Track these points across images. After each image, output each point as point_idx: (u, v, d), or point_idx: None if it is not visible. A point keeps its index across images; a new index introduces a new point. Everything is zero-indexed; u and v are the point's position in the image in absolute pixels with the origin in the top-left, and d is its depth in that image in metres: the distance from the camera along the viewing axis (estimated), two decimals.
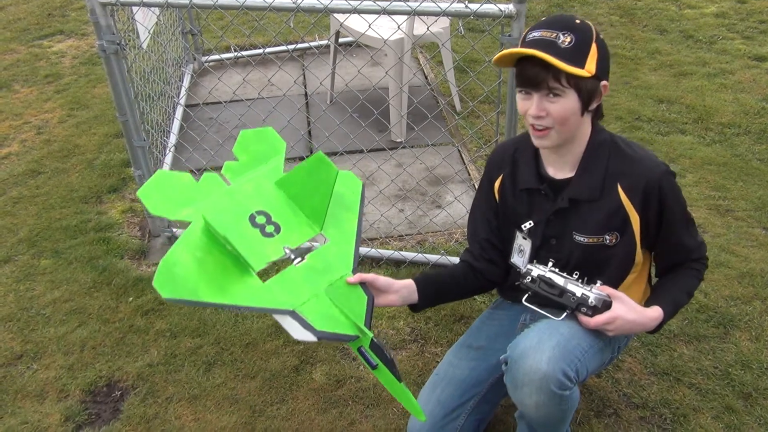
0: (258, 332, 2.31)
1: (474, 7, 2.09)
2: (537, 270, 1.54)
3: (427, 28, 2.79)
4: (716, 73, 3.96)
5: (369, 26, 2.59)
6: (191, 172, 3.06)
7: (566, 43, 1.40)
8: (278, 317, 1.41)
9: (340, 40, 3.75)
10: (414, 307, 1.67)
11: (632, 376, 2.10)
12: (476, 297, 2.38)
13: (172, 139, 3.31)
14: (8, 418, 2.05)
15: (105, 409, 2.08)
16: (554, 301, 1.52)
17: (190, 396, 2.10)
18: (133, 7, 2.56)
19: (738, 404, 1.99)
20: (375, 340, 1.40)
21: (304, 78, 4.09)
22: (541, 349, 1.44)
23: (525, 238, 1.66)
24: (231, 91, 3.72)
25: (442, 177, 3.13)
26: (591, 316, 1.50)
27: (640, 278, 1.66)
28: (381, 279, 1.54)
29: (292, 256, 1.49)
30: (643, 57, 4.22)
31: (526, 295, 1.59)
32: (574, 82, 1.42)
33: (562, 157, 1.57)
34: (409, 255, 2.60)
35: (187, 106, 3.64)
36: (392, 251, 2.62)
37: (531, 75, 1.43)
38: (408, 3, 2.14)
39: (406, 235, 2.79)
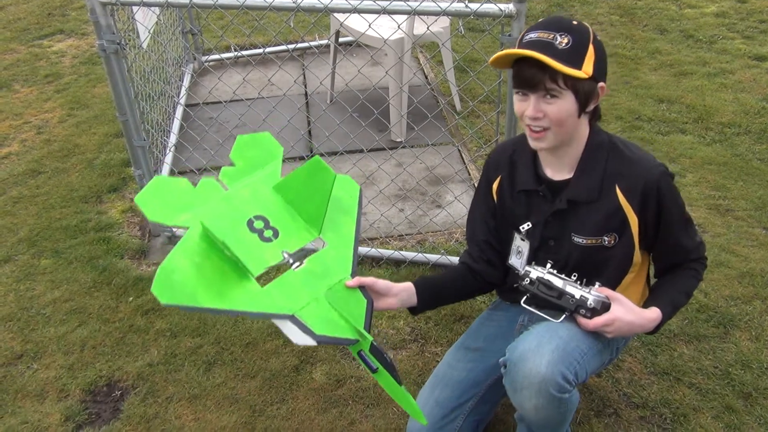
0: (258, 332, 2.31)
1: (474, 6, 2.09)
2: (535, 272, 1.54)
3: (427, 28, 2.79)
4: (716, 73, 3.96)
5: (369, 26, 2.59)
6: (191, 171, 3.09)
7: (563, 45, 1.40)
8: (278, 322, 1.41)
9: (340, 39, 3.75)
10: (413, 310, 1.67)
11: (632, 376, 2.10)
12: (476, 297, 2.38)
13: (172, 138, 3.31)
14: (8, 418, 2.05)
15: (105, 409, 2.08)
16: (553, 303, 1.52)
17: (190, 396, 2.10)
18: (133, 7, 2.56)
19: (738, 404, 1.99)
20: (375, 343, 1.40)
21: (304, 78, 4.09)
22: (540, 352, 1.44)
23: (523, 240, 1.66)
24: (231, 90, 3.72)
25: (442, 177, 3.12)
26: (590, 318, 1.49)
27: (638, 278, 1.66)
28: (380, 282, 1.54)
29: (291, 261, 1.49)
30: (643, 57, 4.22)
31: (525, 297, 1.59)
32: (572, 83, 1.41)
33: (560, 158, 1.56)
34: (409, 255, 2.60)
35: (187, 105, 3.64)
36: (392, 251, 2.63)
37: (528, 76, 1.42)
38: (408, 2, 2.14)
39: (406, 235, 2.79)
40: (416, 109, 3.36)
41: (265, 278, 1.44)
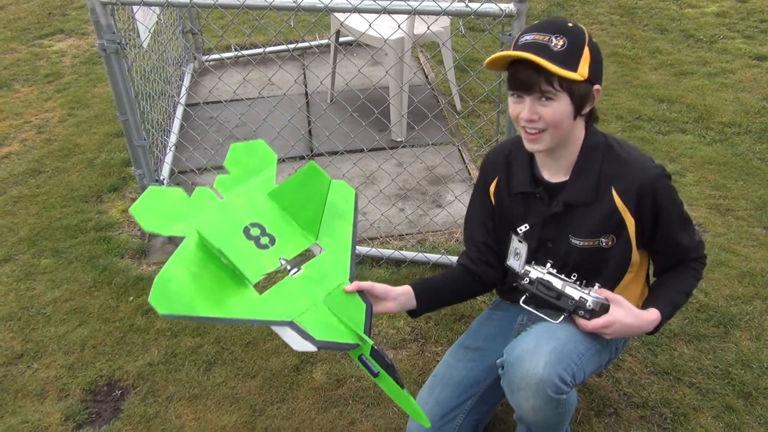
0: (258, 332, 2.31)
1: (474, 6, 2.09)
2: (535, 272, 1.54)
3: (428, 28, 2.79)
4: (717, 73, 3.96)
5: (369, 25, 2.59)
6: (192, 171, 3.09)
7: (559, 47, 1.40)
8: (277, 329, 1.41)
9: (341, 39, 3.75)
10: (413, 313, 1.67)
11: (632, 376, 2.10)
12: (476, 297, 2.38)
13: (173, 138, 3.31)
14: (9, 417, 2.05)
15: (105, 409, 2.09)
16: (552, 303, 1.52)
17: (190, 395, 2.10)
18: (134, 6, 2.56)
19: (738, 403, 1.99)
20: (376, 347, 1.39)
21: (305, 77, 4.09)
22: (537, 353, 1.44)
23: (521, 242, 1.66)
24: (231, 90, 3.72)
25: (442, 176, 3.12)
26: (588, 319, 1.49)
27: (637, 278, 1.66)
28: (378, 286, 1.54)
29: (288, 267, 1.49)
30: (643, 56, 4.22)
31: (524, 297, 1.59)
32: (567, 85, 1.41)
33: (556, 161, 1.56)
34: (410, 254, 2.60)
35: (187, 105, 3.64)
36: (392, 250, 2.63)
37: (523, 78, 1.42)
38: (408, 2, 2.14)
39: (407, 235, 2.79)
40: (416, 109, 3.36)
41: (263, 285, 1.44)
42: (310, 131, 3.53)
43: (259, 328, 2.32)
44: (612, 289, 1.58)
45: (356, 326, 1.41)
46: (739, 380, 2.06)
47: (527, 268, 1.56)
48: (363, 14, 2.32)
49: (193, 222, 1.50)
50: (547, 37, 1.40)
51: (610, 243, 1.56)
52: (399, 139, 3.41)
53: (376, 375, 1.39)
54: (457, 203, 2.88)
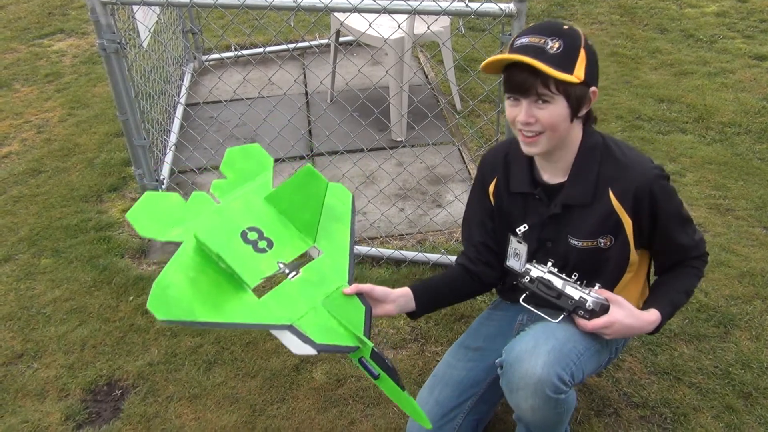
0: (258, 332, 2.31)
1: (474, 6, 2.09)
2: (536, 270, 1.54)
3: (428, 27, 2.79)
4: (717, 73, 3.96)
5: (369, 25, 2.59)
6: (192, 170, 3.09)
7: (554, 49, 1.39)
8: (276, 333, 1.40)
9: (341, 39, 3.75)
10: (412, 315, 1.67)
11: (632, 376, 2.10)
12: (475, 297, 2.38)
13: (173, 138, 3.31)
14: (9, 417, 2.05)
15: (105, 408, 2.09)
16: (551, 303, 1.52)
17: (190, 395, 2.10)
18: (134, 6, 2.56)
19: (738, 403, 1.99)
20: (376, 349, 1.39)
21: (305, 77, 4.09)
22: (536, 353, 1.44)
23: (520, 242, 1.66)
24: (231, 90, 3.72)
25: (442, 176, 3.12)
26: (588, 319, 1.49)
27: (637, 277, 1.66)
28: (378, 289, 1.54)
29: (287, 271, 1.49)
30: (643, 56, 4.22)
31: (524, 295, 1.59)
32: (563, 88, 1.41)
33: (554, 163, 1.56)
34: (410, 254, 2.60)
35: (187, 105, 3.64)
36: (393, 250, 2.63)
37: (519, 81, 1.42)
38: (408, 2, 2.14)
39: (407, 234, 2.79)
40: (416, 109, 3.36)
41: (261, 289, 1.44)
42: (310, 131, 3.53)
43: None
44: (611, 288, 1.59)
45: (356, 329, 1.41)
46: (739, 380, 2.06)
47: (528, 266, 1.56)
48: (363, 14, 2.32)
49: (191, 227, 1.50)
50: (543, 40, 1.40)
51: (608, 243, 1.56)
52: (399, 139, 3.41)
53: (376, 377, 1.39)
54: (457, 203, 2.88)
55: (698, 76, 3.93)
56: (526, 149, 1.52)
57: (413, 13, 2.16)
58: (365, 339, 1.39)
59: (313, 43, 4.42)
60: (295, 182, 1.57)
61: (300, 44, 4.40)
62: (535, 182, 1.61)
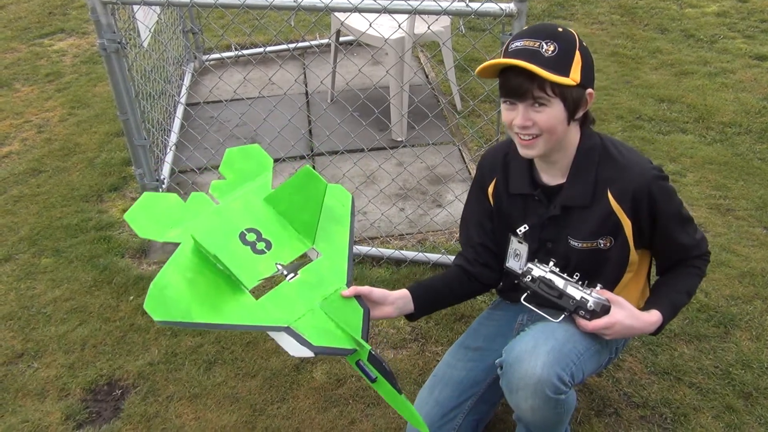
0: (258, 332, 2.31)
1: (475, 5, 2.08)
2: (538, 270, 1.54)
3: (428, 27, 2.79)
4: (717, 73, 3.96)
5: (370, 25, 2.59)
6: (192, 170, 3.09)
7: (550, 52, 1.39)
8: (274, 334, 1.40)
9: (341, 38, 3.75)
10: (411, 317, 1.67)
11: (633, 376, 2.10)
12: (474, 297, 2.38)
13: (173, 137, 3.31)
14: (9, 417, 2.05)
15: (106, 408, 2.09)
16: (553, 302, 1.52)
17: (190, 395, 2.10)
18: (134, 6, 2.56)
19: (738, 404, 1.99)
20: (373, 352, 1.38)
21: (305, 77, 4.09)
22: (536, 353, 1.44)
23: (520, 242, 1.66)
24: (232, 89, 3.72)
25: (442, 176, 3.12)
26: (589, 319, 1.49)
27: (637, 277, 1.66)
28: (376, 291, 1.53)
29: (285, 272, 1.48)
30: (644, 56, 4.22)
31: (525, 294, 1.59)
32: (559, 91, 1.41)
33: (552, 165, 1.56)
34: (410, 254, 2.60)
35: (187, 104, 3.64)
36: (393, 250, 2.63)
37: (515, 85, 1.42)
38: (409, 2, 2.14)
39: (407, 234, 2.79)
40: (417, 109, 3.36)
41: (261, 290, 1.44)
42: (310, 131, 3.53)
43: None
44: (611, 288, 1.59)
45: (354, 331, 1.40)
46: (739, 380, 2.06)
47: (530, 265, 1.56)
48: (363, 14, 2.32)
49: (189, 227, 1.50)
50: (538, 43, 1.40)
51: (608, 244, 1.56)
52: (399, 139, 3.41)
53: (373, 380, 1.38)
54: (457, 203, 2.88)
55: (699, 76, 3.93)
56: (523, 152, 1.51)
57: (414, 12, 2.16)
58: (363, 342, 1.39)
59: (313, 42, 4.42)
60: (294, 183, 1.56)
61: (300, 44, 4.40)
62: (534, 183, 1.61)
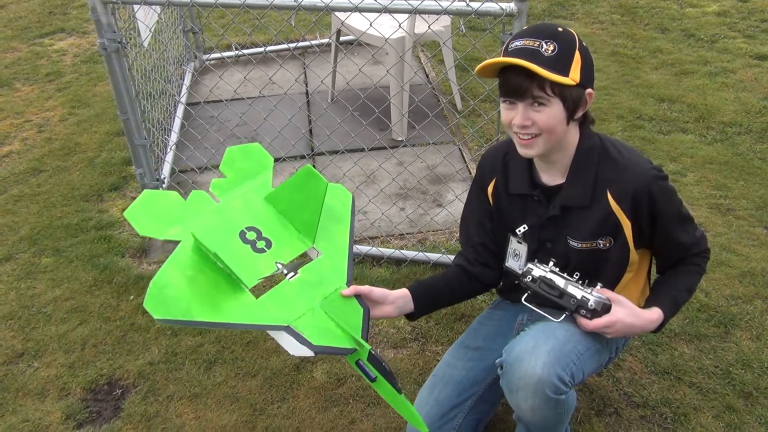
0: (258, 331, 2.31)
1: (475, 5, 2.08)
2: (538, 270, 1.54)
3: (428, 27, 2.79)
4: (718, 72, 3.96)
5: (370, 25, 2.59)
6: (192, 170, 3.09)
7: (549, 52, 1.39)
8: (274, 334, 1.40)
9: (342, 38, 3.75)
10: (410, 316, 1.67)
11: (633, 375, 2.10)
12: (474, 297, 2.38)
13: (173, 137, 3.31)
14: (9, 416, 2.05)
15: (106, 408, 2.09)
16: (553, 302, 1.52)
17: (190, 394, 2.10)
18: (134, 6, 2.56)
19: (738, 403, 1.99)
20: (373, 352, 1.38)
21: (305, 76, 4.09)
22: (536, 353, 1.44)
23: (520, 242, 1.65)
24: (232, 89, 3.71)
25: (443, 175, 3.12)
26: (590, 318, 1.49)
27: (637, 276, 1.66)
28: (376, 291, 1.53)
29: (285, 271, 1.48)
30: (644, 56, 4.22)
31: (526, 294, 1.59)
32: (559, 90, 1.41)
33: (551, 165, 1.56)
34: (410, 254, 2.60)
35: (188, 104, 3.64)
36: (393, 250, 2.63)
37: (515, 84, 1.42)
38: (409, 1, 2.14)
39: (407, 234, 2.79)
40: (417, 108, 3.35)
41: (261, 289, 1.44)
42: (310, 130, 3.53)
43: None
44: (612, 288, 1.59)
45: (353, 331, 1.40)
46: (739, 380, 2.06)
47: (530, 265, 1.56)
48: (364, 13, 2.32)
49: (189, 226, 1.50)
50: (538, 43, 1.40)
51: (607, 245, 1.56)
52: (399, 139, 3.41)
53: (373, 380, 1.38)
54: (457, 202, 2.88)
55: (699, 76, 3.93)
56: (522, 151, 1.52)
57: (414, 12, 2.16)
58: (363, 341, 1.38)
59: (313, 42, 4.42)
60: (294, 182, 1.56)
61: (301, 44, 4.40)
62: (534, 183, 1.61)
